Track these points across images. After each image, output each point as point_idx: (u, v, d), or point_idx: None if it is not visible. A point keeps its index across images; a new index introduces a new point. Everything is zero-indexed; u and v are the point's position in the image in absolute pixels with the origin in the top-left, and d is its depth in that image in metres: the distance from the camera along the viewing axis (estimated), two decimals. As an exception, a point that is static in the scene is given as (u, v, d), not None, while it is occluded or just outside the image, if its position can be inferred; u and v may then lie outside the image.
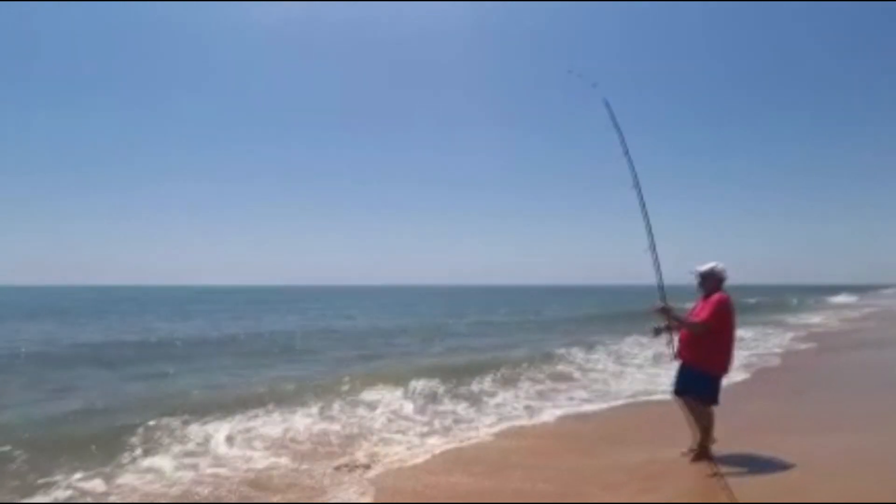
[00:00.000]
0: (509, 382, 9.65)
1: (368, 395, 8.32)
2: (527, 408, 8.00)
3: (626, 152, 5.52)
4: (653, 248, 5.36)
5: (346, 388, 8.75)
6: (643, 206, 5.37)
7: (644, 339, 14.83)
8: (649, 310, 5.16)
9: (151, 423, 6.57)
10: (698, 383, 5.02)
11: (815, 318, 26.83)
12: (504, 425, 7.04)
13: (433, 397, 8.36)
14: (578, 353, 13.13)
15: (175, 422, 6.68)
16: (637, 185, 5.41)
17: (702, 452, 5.04)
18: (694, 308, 5.22)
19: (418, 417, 7.36)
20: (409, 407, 7.74)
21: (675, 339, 5.22)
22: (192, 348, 15.57)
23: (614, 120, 5.63)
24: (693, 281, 5.19)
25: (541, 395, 8.89)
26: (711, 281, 5.14)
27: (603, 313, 31.41)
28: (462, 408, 7.87)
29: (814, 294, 58.36)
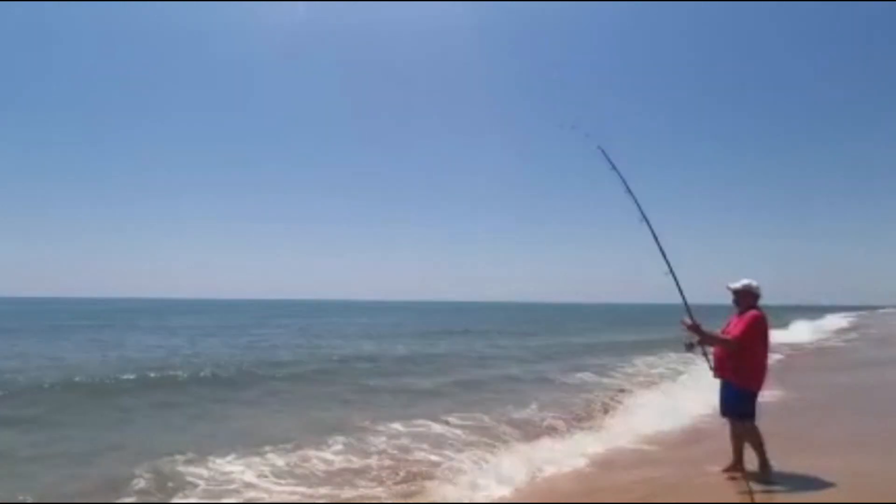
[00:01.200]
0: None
1: (413, 426, 7.95)
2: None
3: (629, 191, 5.68)
4: (671, 272, 5.45)
5: (394, 419, 8.20)
6: (655, 237, 5.51)
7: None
8: (680, 327, 5.17)
9: (164, 459, 6.16)
10: (738, 400, 5.05)
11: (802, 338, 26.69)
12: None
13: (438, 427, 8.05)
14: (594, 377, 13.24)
15: (187, 459, 6.19)
16: (645, 219, 5.56)
17: (762, 468, 5.02)
18: (728, 324, 5.26)
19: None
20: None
21: (710, 354, 5.31)
22: (212, 372, 13.44)
23: (612, 164, 5.83)
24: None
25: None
26: (746, 297, 5.18)
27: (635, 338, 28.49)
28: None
29: (809, 314, 58.28)
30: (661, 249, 5.52)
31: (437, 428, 7.92)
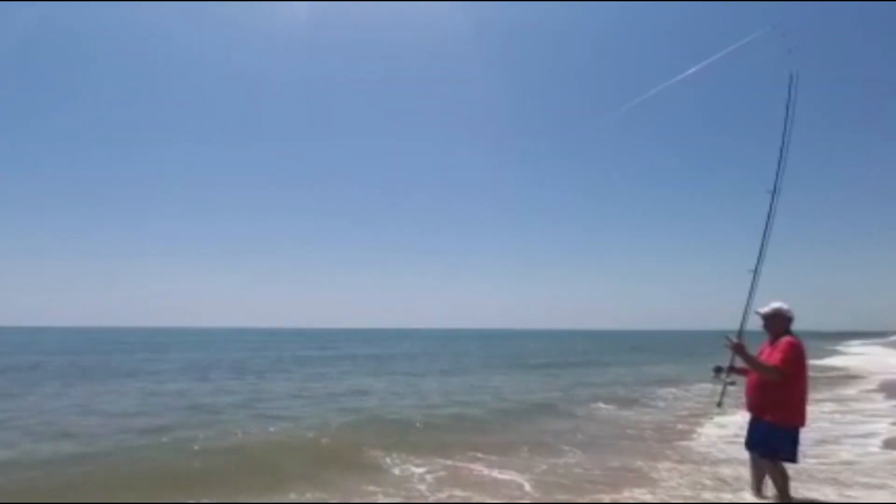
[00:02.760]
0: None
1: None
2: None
3: (783, 146, 4.98)
4: (756, 269, 4.80)
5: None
6: (770, 216, 4.91)
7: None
8: (725, 345, 4.61)
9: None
10: (775, 437, 4.51)
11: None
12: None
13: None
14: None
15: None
16: (774, 190, 4.91)
17: None
18: (760, 353, 4.74)
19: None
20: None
21: (733, 385, 4.92)
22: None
23: (790, 100, 5.12)
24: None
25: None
26: (778, 323, 4.70)
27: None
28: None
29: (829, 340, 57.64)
30: (764, 236, 4.91)
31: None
